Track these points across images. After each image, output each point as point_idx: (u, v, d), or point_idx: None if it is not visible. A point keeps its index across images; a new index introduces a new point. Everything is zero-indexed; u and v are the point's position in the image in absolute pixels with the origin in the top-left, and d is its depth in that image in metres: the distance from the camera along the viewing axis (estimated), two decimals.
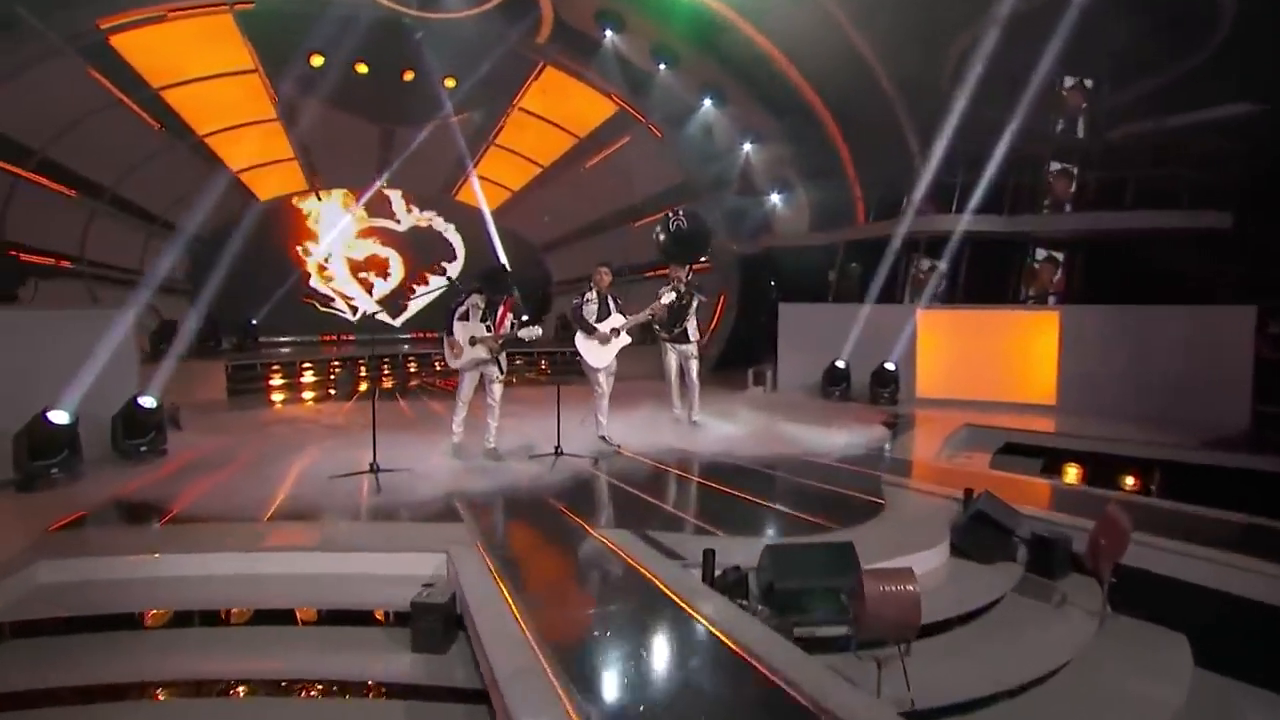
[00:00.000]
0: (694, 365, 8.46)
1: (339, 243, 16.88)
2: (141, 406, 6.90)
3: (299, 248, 16.58)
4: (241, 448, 7.62)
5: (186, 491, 5.85)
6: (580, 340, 7.47)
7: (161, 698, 3.82)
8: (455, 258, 17.99)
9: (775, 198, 15.21)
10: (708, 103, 14.47)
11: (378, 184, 16.49)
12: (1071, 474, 8.31)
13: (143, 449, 6.93)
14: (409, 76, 13.96)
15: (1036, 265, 12.33)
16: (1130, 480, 7.94)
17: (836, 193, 14.03)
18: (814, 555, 4.09)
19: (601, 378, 7.53)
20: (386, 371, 14.59)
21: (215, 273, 11.74)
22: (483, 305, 6.91)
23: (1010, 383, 10.56)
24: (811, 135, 13.97)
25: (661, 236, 8.69)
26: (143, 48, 11.43)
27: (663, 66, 13.95)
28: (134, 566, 4.59)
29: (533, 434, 7.42)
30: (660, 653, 3.34)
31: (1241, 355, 9.14)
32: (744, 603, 4.04)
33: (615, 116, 15.17)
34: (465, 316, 6.94)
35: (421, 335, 16.97)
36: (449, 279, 8.19)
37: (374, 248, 17.34)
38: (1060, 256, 12.18)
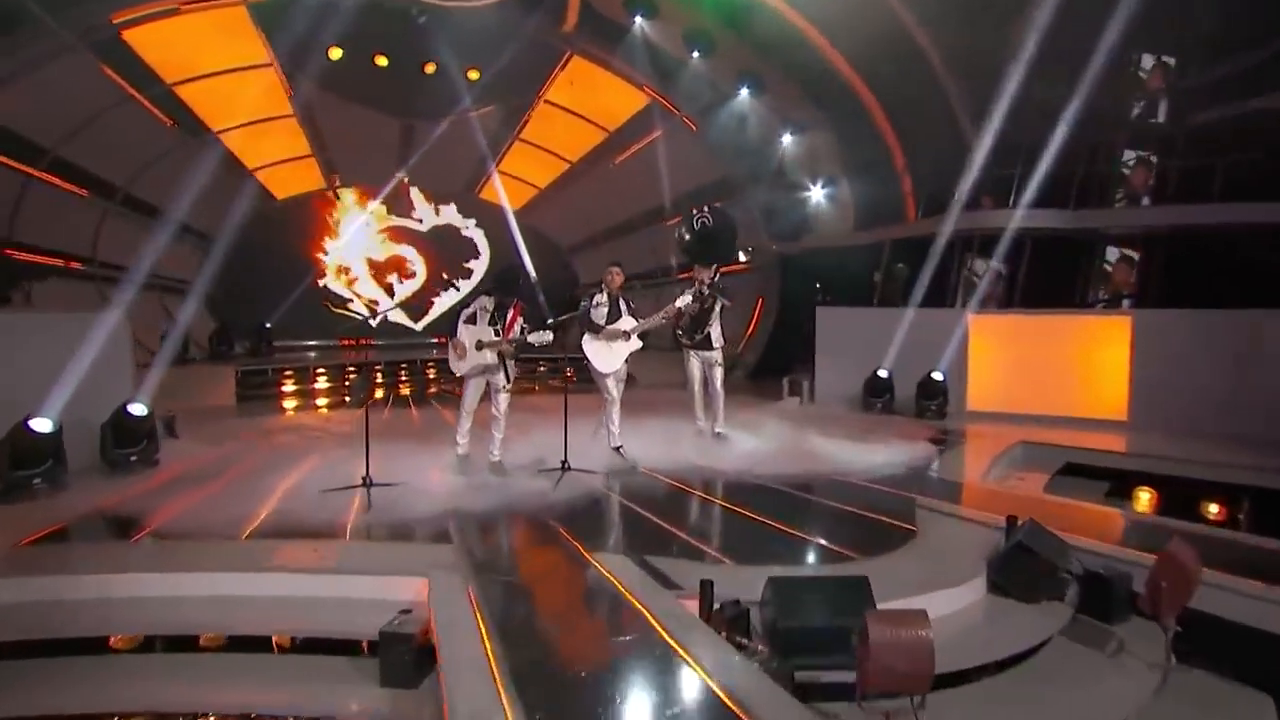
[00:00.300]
0: (718, 373, 8.27)
1: (359, 243, 17.10)
2: (131, 414, 6.96)
3: (323, 249, 16.81)
4: (238, 458, 7.67)
5: (168, 506, 5.87)
6: (587, 343, 7.37)
7: None
8: (479, 258, 18.10)
9: (817, 194, 14.90)
10: (744, 92, 14.28)
11: (395, 180, 16.65)
12: (1143, 500, 7.82)
13: (133, 459, 7.00)
14: (430, 69, 14.04)
15: (1107, 265, 11.78)
16: (1214, 509, 7.41)
17: (883, 187, 13.68)
18: (822, 590, 3.85)
19: (610, 384, 7.42)
20: (404, 378, 14.69)
21: (202, 272, 11.74)
22: (491, 308, 6.85)
23: (1074, 395, 10.04)
24: (856, 125, 13.67)
25: (684, 235, 8.49)
26: (156, 43, 11.73)
27: (696, 54, 13.79)
28: (100, 586, 4.58)
29: (544, 446, 7.31)
30: (637, 699, 3.15)
31: None
32: (744, 641, 3.82)
33: (646, 109, 15.06)
34: (473, 320, 6.88)
35: (444, 340, 17.08)
36: (448, 279, 8.14)
37: (396, 248, 17.53)
38: (1135, 255, 11.61)
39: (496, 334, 6.78)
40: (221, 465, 7.32)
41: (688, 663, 3.37)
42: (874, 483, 6.76)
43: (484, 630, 3.79)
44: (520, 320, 6.83)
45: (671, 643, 3.55)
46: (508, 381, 6.99)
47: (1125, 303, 11.48)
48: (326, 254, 16.82)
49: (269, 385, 12.79)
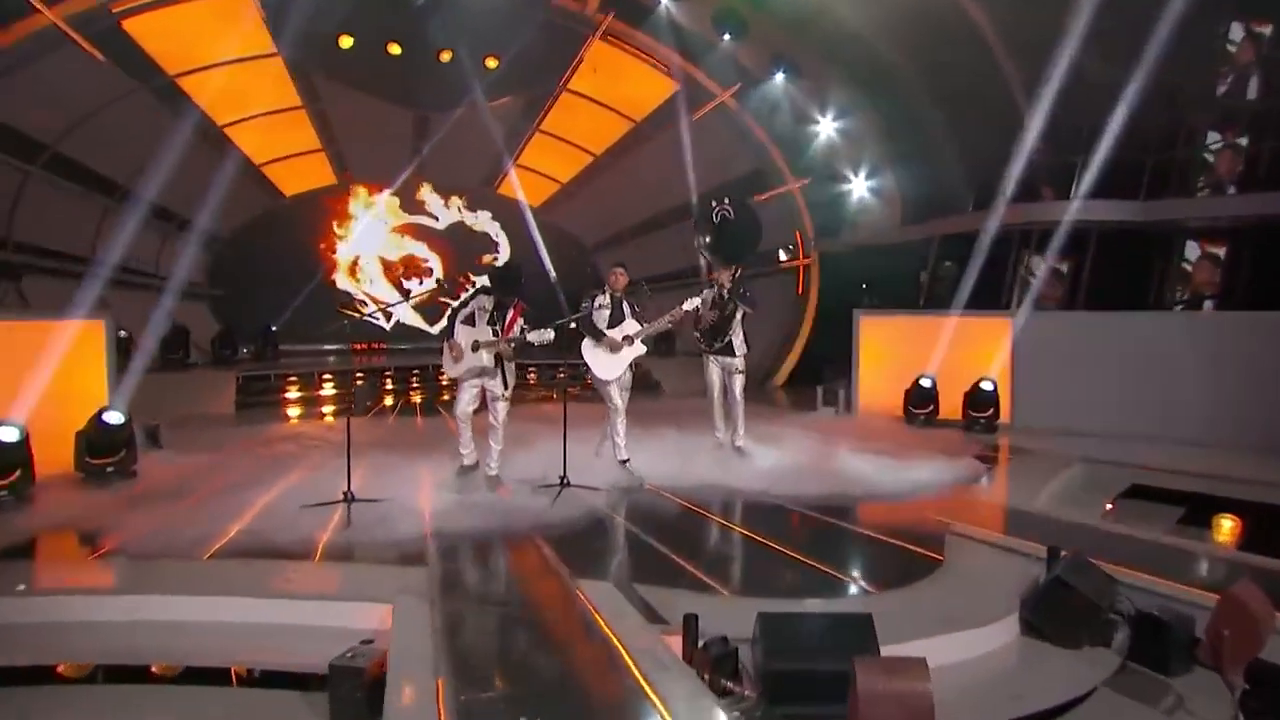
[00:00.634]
0: (739, 381, 8.08)
1: (372, 241, 17.24)
2: (106, 422, 7.00)
3: (334, 248, 16.99)
4: (221, 470, 7.68)
5: (135, 521, 5.84)
6: (587, 348, 7.26)
7: None
8: (499, 257, 18.11)
9: (860, 186, 14.57)
10: (779, 77, 14.04)
11: (409, 172, 16.75)
12: (1224, 530, 7.32)
13: (109, 470, 7.04)
14: (446, 57, 14.08)
15: (1186, 262, 11.23)
16: None
17: (933, 179, 13.33)
18: (819, 628, 3.61)
19: (614, 391, 7.29)
20: (415, 384, 14.71)
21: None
22: (490, 308, 6.79)
23: (1145, 408, 9.53)
24: (903, 111, 13.36)
25: (703, 233, 8.32)
26: (156, 32, 11.95)
27: (726, 37, 13.60)
28: (49, 609, 4.54)
29: (548, 460, 7.19)
30: None
31: None
32: (730, 685, 3.59)
33: (676, 97, 14.88)
34: (471, 321, 6.82)
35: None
36: (437, 280, 8.08)
37: (411, 246, 17.64)
38: (1219, 250, 11.03)
39: (495, 335, 6.69)
40: (202, 477, 7.31)
41: (657, 710, 3.16)
42: (905, 505, 6.46)
43: (439, 664, 3.64)
44: (520, 321, 6.73)
45: (643, 685, 3.34)
46: (505, 388, 6.88)
47: (1207, 304, 10.93)
48: (337, 253, 16.99)
49: (271, 392, 12.90)
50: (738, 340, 8.04)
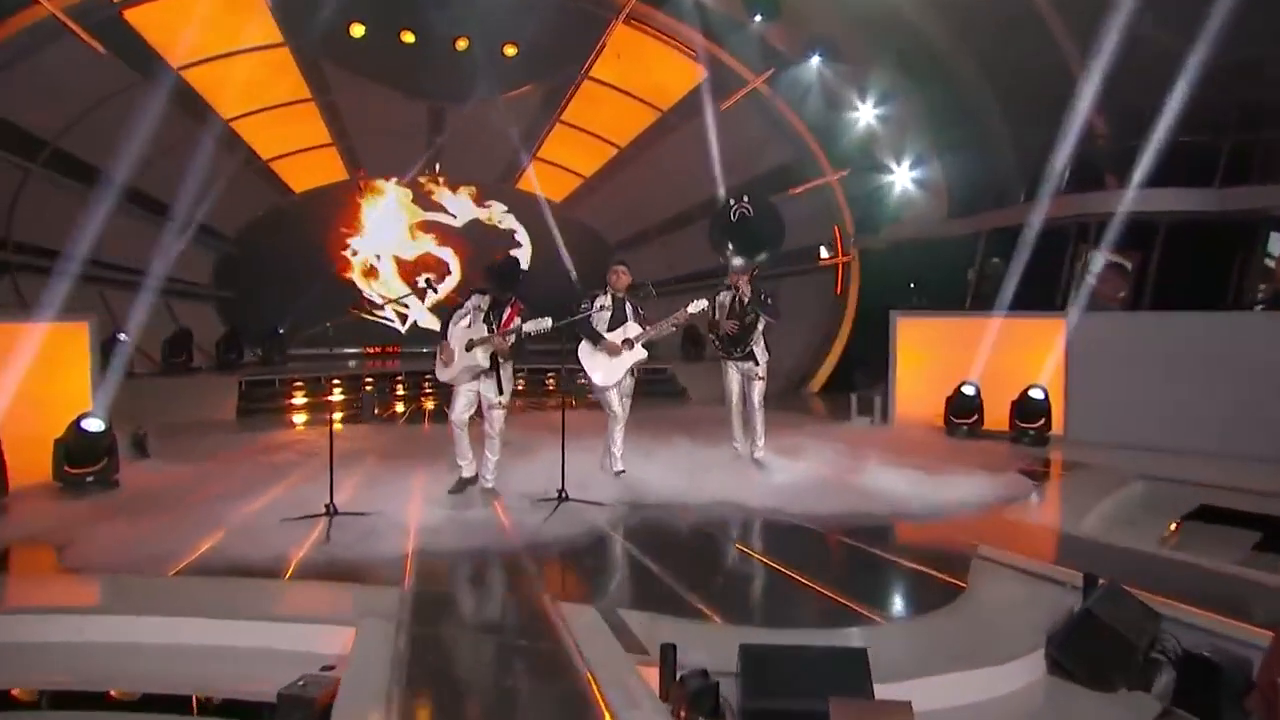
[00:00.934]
0: (758, 388, 7.96)
1: (387, 240, 17.37)
2: (85, 430, 7.08)
3: (346, 247, 17.15)
4: (209, 480, 7.71)
5: (106, 534, 5.86)
6: (584, 352, 7.18)
7: None
8: (521, 255, 18.11)
9: (902, 176, 14.27)
10: (815, 60, 13.82)
11: (423, 166, 16.84)
12: None
13: (89, 480, 7.11)
14: (462, 45, 14.13)
15: (1269, 255, 10.75)
16: None
17: (983, 167, 13.00)
18: (807, 664, 3.43)
19: (613, 398, 7.20)
20: (428, 390, 14.75)
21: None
22: (485, 307, 6.75)
23: (1217, 420, 9.08)
24: (951, 94, 13.05)
25: (718, 230, 8.17)
26: (159, 23, 12.17)
27: (758, 18, 13.43)
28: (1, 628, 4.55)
29: (552, 472, 7.07)
30: None
31: None
32: None
33: (704, 84, 14.72)
34: (467, 324, 6.78)
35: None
36: (427, 281, 8.01)
37: (428, 246, 17.74)
38: None
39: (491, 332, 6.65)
40: (187, 488, 7.33)
41: None
42: (934, 525, 6.23)
43: (393, 693, 3.55)
44: (518, 320, 6.65)
45: None
46: (500, 393, 6.82)
47: None
48: (349, 252, 17.15)
49: (276, 397, 13.04)
50: (759, 348, 7.95)
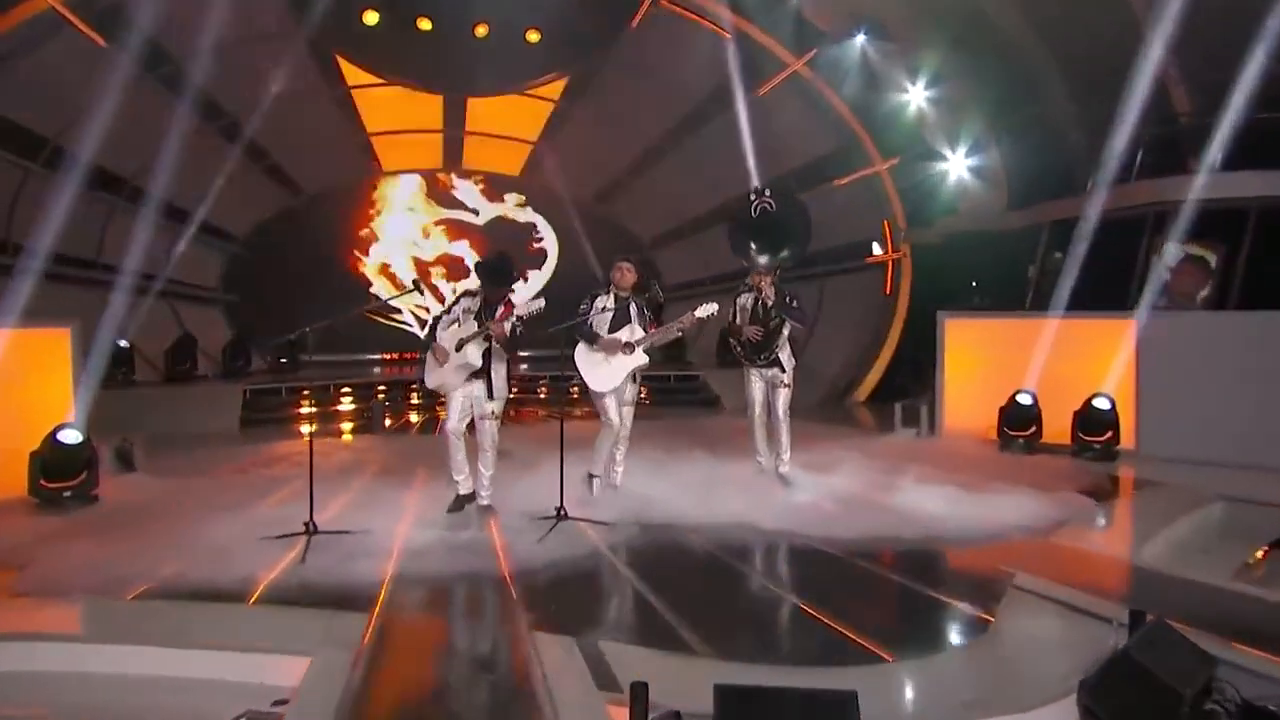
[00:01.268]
0: (782, 396, 7.76)
1: (404, 240, 17.51)
2: (62, 442, 7.16)
3: (361, 248, 17.33)
4: (194, 494, 7.76)
5: (71, 553, 5.88)
6: (580, 355, 7.05)
7: None
8: (547, 255, 18.14)
9: (957, 164, 13.92)
10: (860, 39, 13.56)
11: (442, 162, 16.96)
12: None
13: (66, 495, 7.18)
14: (482, 32, 14.18)
15: None
16: None
17: (1045, 154, 12.61)
18: (789, 707, 3.23)
19: (610, 405, 7.07)
20: (444, 399, 14.80)
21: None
22: (477, 307, 6.71)
23: None
24: (1011, 73, 12.69)
25: (738, 227, 8.00)
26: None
27: None
28: None
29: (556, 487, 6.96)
30: None
31: None
32: None
33: (742, 68, 14.51)
34: (457, 324, 6.75)
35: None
36: (414, 281, 7.97)
37: (447, 245, 17.85)
38: None
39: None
40: (169, 503, 7.38)
41: None
42: (971, 550, 5.96)
43: None
44: (513, 318, 6.57)
45: None
46: (490, 397, 6.77)
47: None
48: (365, 253, 17.33)
49: (282, 407, 13.18)
50: (785, 354, 7.76)
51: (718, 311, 6.99)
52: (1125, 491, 8.20)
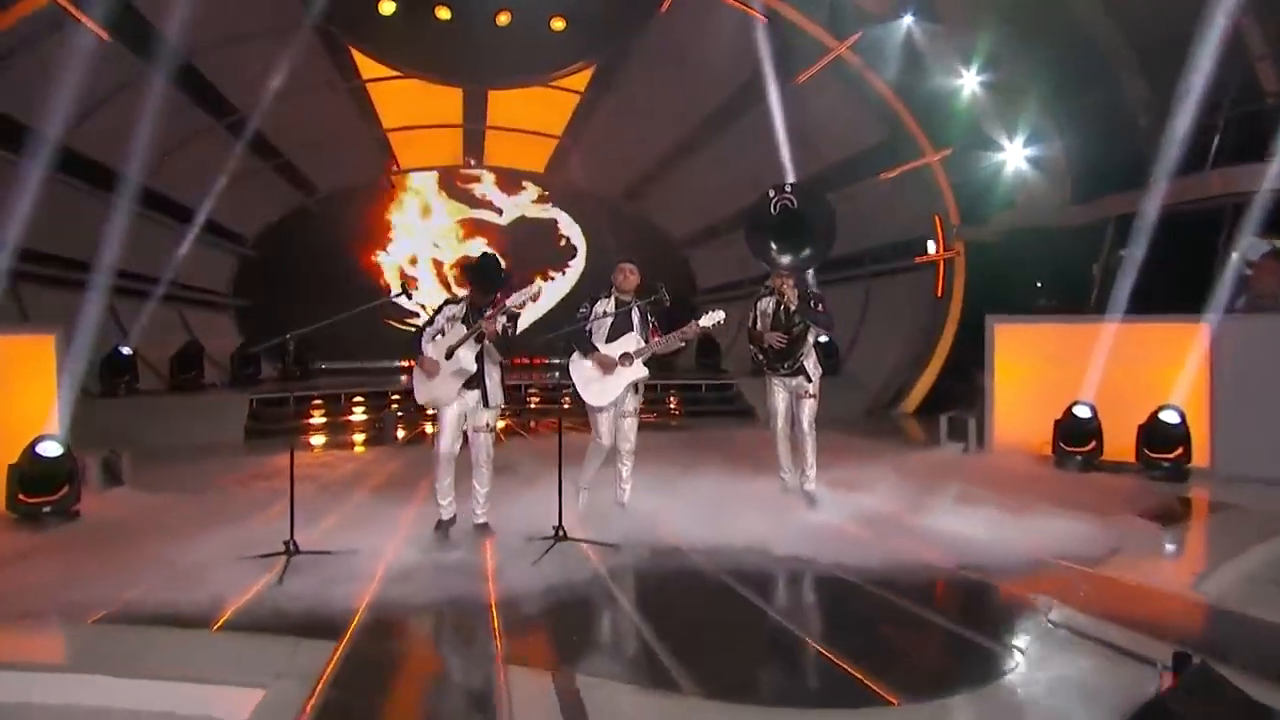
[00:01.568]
0: (808, 408, 7.60)
1: (424, 241, 17.59)
2: (41, 455, 7.21)
3: (378, 250, 17.45)
4: (179, 510, 7.80)
5: (37, 573, 5.91)
6: (574, 365, 6.95)
7: None
8: (574, 255, 18.10)
9: (1015, 154, 13.55)
10: (908, 20, 13.28)
11: (459, 160, 17.00)
12: None
13: (45, 510, 7.23)
14: (504, 20, 14.19)
15: None
16: None
17: (1111, 140, 12.20)
18: None
19: (601, 424, 6.98)
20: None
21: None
22: (461, 315, 6.64)
23: None
24: (1075, 53, 12.30)
25: (755, 226, 7.84)
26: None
27: None
28: None
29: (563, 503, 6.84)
30: None
31: None
32: None
33: (780, 54, 14.34)
34: (442, 334, 6.71)
35: (527, 360, 17.12)
36: (403, 286, 7.87)
37: (469, 245, 17.89)
38: None
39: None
40: (152, 519, 7.40)
41: None
42: (1007, 580, 5.67)
43: None
44: (502, 319, 6.47)
45: None
46: (486, 404, 6.71)
47: None
48: (382, 255, 17.43)
49: (291, 417, 13.25)
50: (810, 362, 7.59)
51: (724, 319, 6.81)
52: (1197, 515, 7.84)
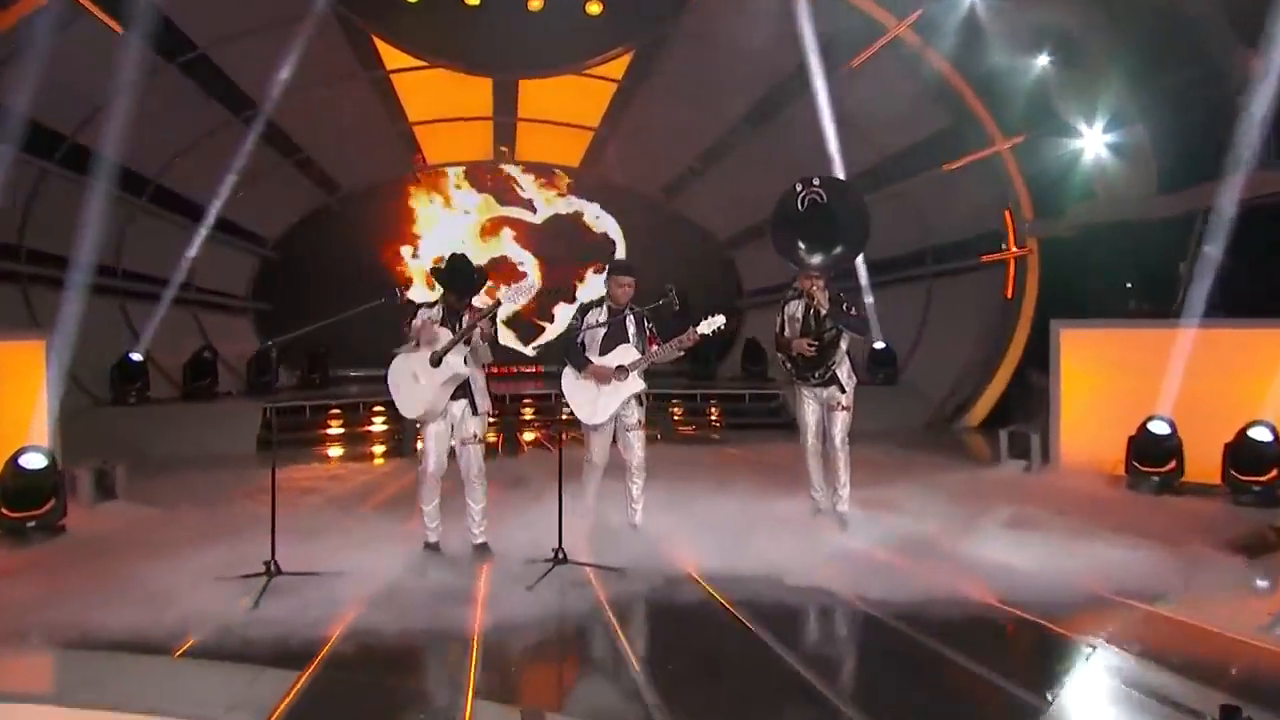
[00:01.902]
0: (841, 420, 7.41)
1: (452, 240, 17.68)
2: (24, 467, 7.32)
3: (405, 250, 17.60)
4: (171, 526, 7.87)
5: (9, 594, 6.00)
6: (567, 380, 6.91)
7: None
8: (613, 252, 18.04)
9: (1095, 141, 13.14)
10: None
11: (494, 153, 17.08)
12: None
13: (30, 525, 7.34)
14: (536, 5, 14.23)
15: None
16: None
17: (1202, 123, 11.70)
18: None
19: (594, 444, 6.99)
20: (492, 418, 14.81)
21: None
22: (438, 318, 6.68)
23: None
24: (1162, 27, 11.86)
25: (783, 222, 7.67)
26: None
27: None
28: None
29: (569, 522, 6.75)
30: None
31: None
32: None
33: (833, 36, 14.08)
34: (416, 345, 6.70)
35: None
36: (395, 291, 7.76)
37: (502, 246, 17.95)
38: None
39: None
40: (142, 536, 7.48)
41: None
42: (1050, 617, 5.42)
43: None
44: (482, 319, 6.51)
45: None
46: (475, 412, 6.71)
47: None
48: (414, 255, 17.57)
49: (307, 427, 13.40)
50: (843, 371, 7.39)
51: (725, 325, 6.66)
52: None
